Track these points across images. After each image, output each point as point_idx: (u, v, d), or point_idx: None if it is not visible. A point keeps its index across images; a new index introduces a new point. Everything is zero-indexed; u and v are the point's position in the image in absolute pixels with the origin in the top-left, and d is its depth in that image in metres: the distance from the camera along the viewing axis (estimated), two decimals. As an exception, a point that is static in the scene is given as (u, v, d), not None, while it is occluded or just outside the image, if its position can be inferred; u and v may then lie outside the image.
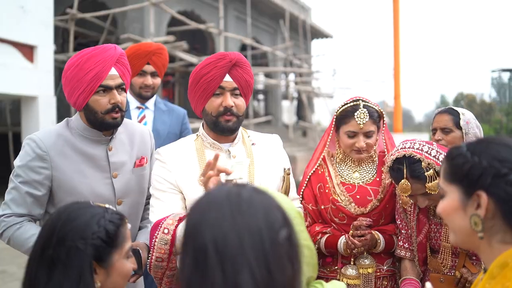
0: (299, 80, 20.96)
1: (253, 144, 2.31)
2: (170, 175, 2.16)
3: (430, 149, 2.19)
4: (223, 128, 2.17)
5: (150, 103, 3.34)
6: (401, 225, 2.46)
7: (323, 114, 27.40)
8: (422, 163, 2.15)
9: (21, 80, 9.74)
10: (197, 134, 2.29)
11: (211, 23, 13.73)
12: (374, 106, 2.50)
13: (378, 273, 2.50)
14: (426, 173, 2.14)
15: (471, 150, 1.25)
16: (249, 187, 1.03)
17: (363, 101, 2.49)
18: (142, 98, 3.27)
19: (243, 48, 17.98)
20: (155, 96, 3.37)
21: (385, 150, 2.59)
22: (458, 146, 1.30)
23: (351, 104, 2.50)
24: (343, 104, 2.54)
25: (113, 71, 2.13)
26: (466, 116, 2.63)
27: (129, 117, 3.19)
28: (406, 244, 2.43)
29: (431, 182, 2.13)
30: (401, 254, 2.44)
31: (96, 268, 1.37)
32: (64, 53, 12.50)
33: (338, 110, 2.55)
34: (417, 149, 2.19)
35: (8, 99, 11.70)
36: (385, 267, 2.52)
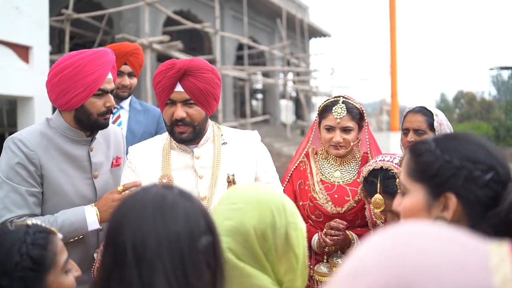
0: (297, 79, 20.95)
1: (224, 143, 2.25)
2: (133, 176, 2.19)
3: None
4: (177, 139, 2.16)
5: (125, 103, 3.33)
6: None
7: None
8: (397, 180, 2.05)
9: (17, 81, 9.76)
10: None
11: (208, 23, 13.74)
12: (354, 103, 2.50)
13: None
14: (399, 191, 2.03)
15: (441, 148, 1.16)
16: (176, 190, 1.03)
17: (344, 97, 2.52)
18: (119, 98, 3.26)
19: (240, 47, 17.98)
20: (130, 96, 3.37)
21: (368, 151, 2.59)
22: (425, 141, 1.21)
23: (332, 99, 2.53)
24: (325, 100, 2.58)
25: (109, 75, 2.18)
26: (439, 117, 2.55)
27: None
28: None
29: None
30: None
31: None
32: (61, 53, 12.51)
33: (320, 106, 2.58)
34: (396, 164, 2.10)
35: (5, 99, 11.71)
36: None
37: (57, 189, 2.14)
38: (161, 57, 14.37)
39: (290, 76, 22.07)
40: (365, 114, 2.56)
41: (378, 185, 2.08)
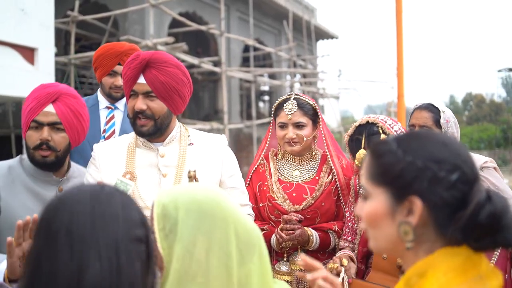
0: (304, 81, 20.91)
1: (190, 144, 2.24)
2: (97, 173, 2.16)
3: (394, 124, 2.21)
4: (138, 132, 2.15)
5: (121, 104, 3.28)
6: (349, 218, 2.46)
7: (328, 115, 27.31)
8: (381, 136, 2.15)
9: (22, 82, 9.78)
10: None
11: (213, 24, 13.74)
12: (306, 99, 2.54)
13: None
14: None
15: (403, 148, 1.08)
16: (113, 187, 1.11)
17: (295, 95, 2.56)
18: (112, 99, 3.22)
19: (246, 49, 17.97)
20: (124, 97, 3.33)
21: (326, 148, 2.62)
22: (386, 142, 1.13)
23: (284, 98, 2.58)
24: (278, 99, 2.63)
25: (50, 108, 2.07)
26: (447, 115, 2.57)
27: (98, 117, 3.16)
28: (350, 237, 2.43)
29: None
30: (345, 245, 2.43)
31: None
32: (67, 55, 12.55)
33: (274, 106, 2.62)
34: (381, 119, 2.21)
35: (11, 101, 11.76)
36: None
37: (13, 223, 2.04)
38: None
39: (297, 77, 22.04)
40: (319, 111, 2.58)
41: (363, 140, 2.18)
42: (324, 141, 2.61)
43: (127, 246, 0.99)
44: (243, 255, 1.22)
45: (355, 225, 2.40)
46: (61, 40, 13.75)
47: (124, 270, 0.97)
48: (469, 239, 1.03)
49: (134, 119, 2.12)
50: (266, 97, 26.20)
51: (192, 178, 1.84)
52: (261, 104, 26.28)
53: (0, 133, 13.05)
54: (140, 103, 2.07)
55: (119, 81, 3.14)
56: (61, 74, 12.65)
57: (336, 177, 2.54)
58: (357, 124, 2.24)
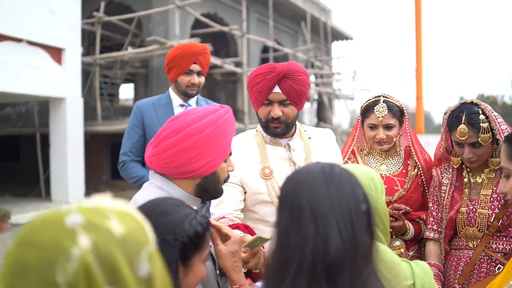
0: (320, 82, 20.99)
1: (309, 138, 2.47)
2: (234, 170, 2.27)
3: (498, 115, 2.42)
4: (272, 134, 2.36)
5: (193, 101, 3.47)
6: (433, 208, 2.62)
7: (343, 116, 27.33)
8: (480, 116, 2.33)
9: (50, 82, 9.98)
10: (256, 130, 2.48)
11: (233, 25, 13.87)
12: (394, 102, 2.69)
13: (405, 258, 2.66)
14: (481, 124, 2.33)
15: None
16: (340, 166, 1.26)
17: (384, 97, 2.71)
18: (188, 96, 3.40)
19: (265, 50, 18.10)
20: (197, 94, 3.50)
21: (410, 144, 2.78)
22: None
23: (373, 99, 2.72)
24: (367, 100, 2.77)
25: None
26: None
27: (173, 115, 3.20)
28: (435, 226, 2.60)
29: (484, 134, 2.33)
30: (430, 235, 2.59)
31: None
32: (90, 55, 12.74)
33: (362, 106, 2.77)
34: (484, 104, 2.39)
35: (36, 100, 11.95)
36: (410, 253, 2.69)
37: None
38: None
39: (313, 78, 22.12)
40: (404, 111, 2.73)
41: (464, 117, 2.35)
42: (410, 139, 2.78)
43: (358, 220, 1.14)
44: None
45: (439, 214, 2.58)
46: (85, 40, 13.95)
47: (359, 241, 1.12)
48: None
49: (267, 123, 2.34)
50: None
51: None
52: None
53: (25, 132, 13.27)
54: (277, 111, 2.28)
55: (195, 79, 3.35)
56: (85, 74, 12.85)
57: (421, 171, 2.73)
58: (461, 101, 2.42)
